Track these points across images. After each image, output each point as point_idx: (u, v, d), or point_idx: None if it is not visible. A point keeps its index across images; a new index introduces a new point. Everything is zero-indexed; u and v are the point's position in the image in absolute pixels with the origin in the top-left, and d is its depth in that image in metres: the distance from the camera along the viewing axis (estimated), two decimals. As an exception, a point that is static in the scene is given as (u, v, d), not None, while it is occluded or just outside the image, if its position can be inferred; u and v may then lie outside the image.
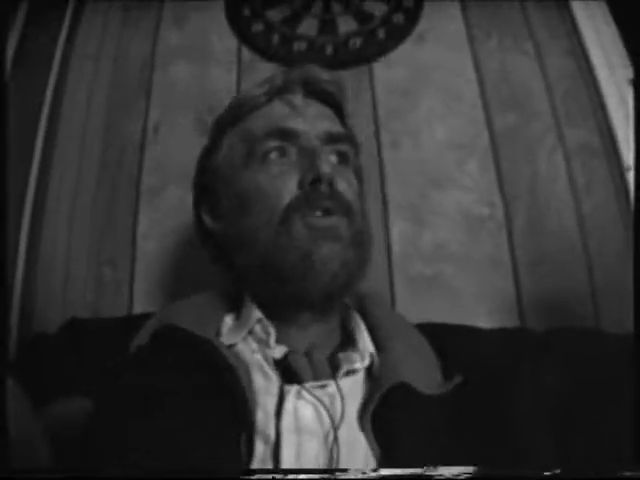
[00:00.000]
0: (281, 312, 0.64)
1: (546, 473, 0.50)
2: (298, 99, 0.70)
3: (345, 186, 0.66)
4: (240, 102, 0.72)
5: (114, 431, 0.53)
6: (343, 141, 0.70)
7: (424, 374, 0.60)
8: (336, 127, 0.71)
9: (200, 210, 0.74)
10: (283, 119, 0.68)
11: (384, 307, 0.74)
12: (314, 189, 0.63)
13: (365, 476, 0.50)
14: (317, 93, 0.72)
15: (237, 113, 0.72)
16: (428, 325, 0.70)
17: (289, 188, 0.63)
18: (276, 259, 0.61)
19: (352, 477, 0.50)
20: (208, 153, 0.74)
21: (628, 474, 0.50)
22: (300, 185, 0.63)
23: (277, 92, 0.71)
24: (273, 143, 0.66)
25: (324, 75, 0.73)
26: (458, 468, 0.50)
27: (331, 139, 0.68)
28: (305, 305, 0.63)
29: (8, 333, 1.00)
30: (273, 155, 0.66)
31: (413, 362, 0.61)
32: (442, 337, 0.67)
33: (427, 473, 0.50)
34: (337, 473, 0.50)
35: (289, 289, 0.61)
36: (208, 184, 0.73)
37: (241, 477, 0.50)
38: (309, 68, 0.73)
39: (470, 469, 0.50)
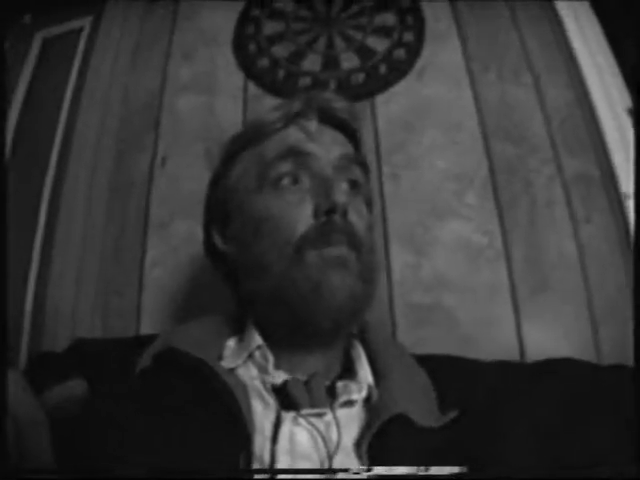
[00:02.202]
0: (285, 339, 0.64)
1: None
2: (313, 125, 0.70)
3: (356, 217, 0.66)
4: (256, 126, 0.72)
5: (111, 439, 0.55)
6: (356, 166, 0.71)
7: (421, 406, 0.60)
8: (350, 152, 0.71)
9: (211, 229, 0.74)
10: (297, 142, 0.69)
11: (385, 337, 0.75)
12: (329, 220, 0.63)
13: (361, 476, 0.52)
14: (332, 120, 0.72)
15: (252, 137, 0.72)
16: (427, 357, 0.71)
17: (303, 218, 0.64)
18: (287, 290, 0.61)
19: (349, 477, 0.52)
20: (220, 174, 0.75)
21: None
22: (315, 214, 0.64)
23: (293, 118, 0.71)
24: (286, 165, 0.67)
25: (339, 103, 0.73)
26: (450, 468, 0.52)
27: (344, 165, 0.69)
28: (311, 335, 0.64)
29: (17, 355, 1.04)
30: (286, 181, 0.66)
31: (411, 394, 0.62)
32: (440, 369, 0.67)
33: (420, 473, 0.52)
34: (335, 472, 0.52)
35: (297, 319, 0.62)
36: (220, 204, 0.73)
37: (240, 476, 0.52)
38: (324, 95, 0.74)
39: (462, 469, 0.52)
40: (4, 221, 0.74)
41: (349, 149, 0.72)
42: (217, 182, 0.75)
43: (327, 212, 0.63)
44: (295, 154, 0.67)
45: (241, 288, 0.70)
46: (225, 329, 0.70)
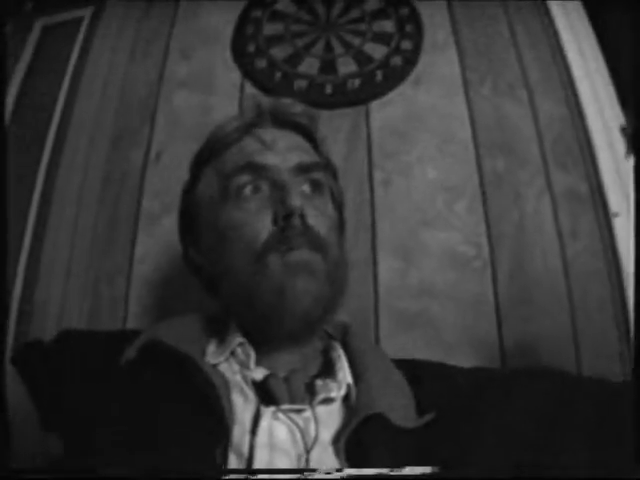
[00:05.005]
0: (261, 339, 0.66)
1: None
2: (268, 133, 0.72)
3: (317, 218, 0.67)
4: (215, 138, 0.75)
5: (95, 430, 0.56)
6: (316, 169, 0.72)
7: (398, 407, 0.61)
8: (308, 157, 0.72)
9: (186, 243, 0.77)
10: (253, 154, 0.70)
11: (366, 340, 0.76)
12: (287, 225, 0.64)
13: (332, 476, 0.52)
14: (288, 124, 0.74)
15: (213, 149, 0.74)
16: (406, 361, 0.72)
17: (264, 225, 0.65)
18: (252, 296, 0.63)
19: (321, 477, 0.52)
20: (189, 188, 0.77)
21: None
22: (274, 221, 0.65)
23: (248, 128, 0.73)
24: (244, 178, 0.68)
25: (294, 108, 0.75)
26: (423, 468, 0.53)
27: (303, 169, 0.70)
28: (282, 336, 0.65)
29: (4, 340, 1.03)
30: (247, 191, 0.68)
31: (389, 395, 0.63)
32: (418, 373, 0.68)
33: (392, 473, 0.52)
34: (306, 473, 0.53)
35: (266, 323, 0.64)
36: (190, 219, 0.76)
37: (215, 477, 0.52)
38: (278, 102, 0.76)
39: (433, 470, 0.53)
40: (4, 211, 0.74)
41: (308, 152, 0.74)
42: (187, 200, 0.77)
43: (285, 217, 0.64)
44: (252, 167, 0.69)
45: (218, 295, 0.72)
46: (209, 326, 0.71)
